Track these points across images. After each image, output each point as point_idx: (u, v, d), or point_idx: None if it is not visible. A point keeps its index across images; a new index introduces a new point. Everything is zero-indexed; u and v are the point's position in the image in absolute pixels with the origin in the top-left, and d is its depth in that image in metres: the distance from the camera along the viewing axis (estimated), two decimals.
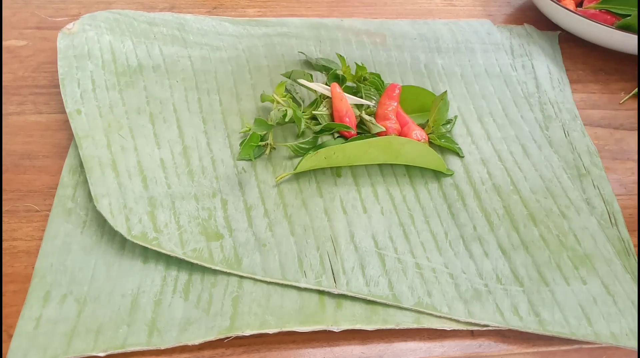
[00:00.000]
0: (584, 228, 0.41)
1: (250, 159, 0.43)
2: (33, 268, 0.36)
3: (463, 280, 0.37)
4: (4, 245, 0.38)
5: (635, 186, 0.46)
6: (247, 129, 0.44)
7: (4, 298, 0.35)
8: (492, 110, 0.50)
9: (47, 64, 0.52)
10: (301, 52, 0.53)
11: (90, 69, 0.48)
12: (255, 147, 0.43)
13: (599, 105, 0.53)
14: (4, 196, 0.41)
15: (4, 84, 0.49)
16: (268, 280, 0.36)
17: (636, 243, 0.41)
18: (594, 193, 0.44)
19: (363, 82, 0.48)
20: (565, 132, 0.49)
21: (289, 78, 0.48)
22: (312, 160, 0.41)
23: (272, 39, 0.55)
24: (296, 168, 0.42)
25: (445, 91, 0.44)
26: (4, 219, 0.39)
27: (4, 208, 0.40)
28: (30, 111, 0.47)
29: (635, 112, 0.53)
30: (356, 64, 0.49)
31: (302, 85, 0.47)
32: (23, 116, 0.47)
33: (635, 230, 0.42)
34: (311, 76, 0.49)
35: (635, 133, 0.51)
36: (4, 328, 0.34)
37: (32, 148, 0.44)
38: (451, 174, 0.44)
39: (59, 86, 0.46)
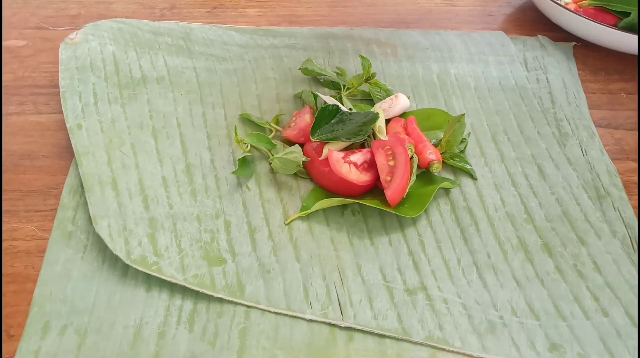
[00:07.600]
0: (605, 253, 0.39)
1: (247, 177, 0.42)
2: (33, 268, 0.36)
3: (477, 311, 0.36)
4: (4, 245, 0.38)
5: (636, 186, 0.45)
6: (240, 140, 0.42)
7: (4, 298, 0.35)
8: (506, 127, 0.48)
9: (47, 64, 0.51)
10: (307, 74, 0.51)
11: (92, 81, 0.46)
12: (251, 163, 0.42)
13: (599, 105, 0.53)
14: (4, 196, 0.40)
15: (4, 84, 0.49)
16: (272, 310, 0.35)
17: None
18: (615, 216, 0.42)
19: (369, 82, 0.49)
20: (583, 150, 0.47)
21: (301, 97, 0.48)
22: (326, 203, 0.40)
23: (279, 50, 0.53)
24: (304, 206, 0.41)
25: (463, 114, 0.42)
26: (4, 219, 0.39)
27: (4, 208, 0.40)
28: (30, 111, 0.47)
29: (635, 112, 0.52)
30: (360, 56, 0.49)
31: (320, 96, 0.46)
32: (23, 116, 0.47)
33: None
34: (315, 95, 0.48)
35: (635, 133, 0.50)
36: (4, 328, 0.33)
37: (32, 148, 0.44)
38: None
39: (59, 86, 0.46)
